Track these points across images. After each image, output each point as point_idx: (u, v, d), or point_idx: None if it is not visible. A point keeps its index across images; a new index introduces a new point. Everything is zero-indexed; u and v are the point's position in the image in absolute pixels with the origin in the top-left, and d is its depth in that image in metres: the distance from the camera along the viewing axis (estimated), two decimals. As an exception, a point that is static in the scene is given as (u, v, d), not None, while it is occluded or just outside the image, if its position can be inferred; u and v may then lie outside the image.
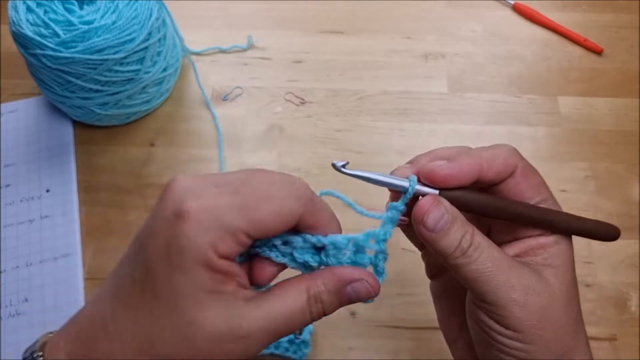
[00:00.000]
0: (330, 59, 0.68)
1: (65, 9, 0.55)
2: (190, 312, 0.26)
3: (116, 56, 0.54)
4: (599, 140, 0.61)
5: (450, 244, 0.31)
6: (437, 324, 0.51)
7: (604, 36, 0.69)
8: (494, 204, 0.32)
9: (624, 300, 0.52)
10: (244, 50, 0.69)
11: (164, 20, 0.60)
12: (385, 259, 0.32)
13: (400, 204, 0.32)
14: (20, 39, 0.54)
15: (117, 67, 0.55)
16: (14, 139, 0.62)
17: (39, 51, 0.53)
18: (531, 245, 0.33)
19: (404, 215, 0.32)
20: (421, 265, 0.54)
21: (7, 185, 0.59)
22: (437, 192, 0.32)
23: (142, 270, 0.27)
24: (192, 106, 0.65)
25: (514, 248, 0.33)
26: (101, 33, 0.53)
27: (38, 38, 0.53)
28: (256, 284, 0.31)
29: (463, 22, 0.71)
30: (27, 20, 0.54)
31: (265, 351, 0.49)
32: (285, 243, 0.30)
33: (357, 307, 0.52)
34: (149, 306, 0.27)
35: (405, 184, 0.32)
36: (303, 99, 0.65)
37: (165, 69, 0.61)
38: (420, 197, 0.32)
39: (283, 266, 0.31)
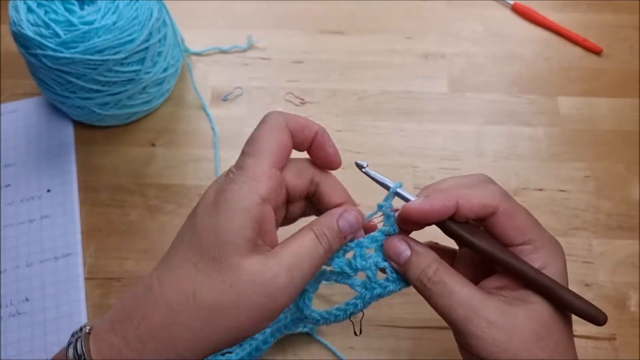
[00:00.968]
0: (330, 59, 0.68)
1: (66, 9, 0.56)
2: (235, 259, 0.30)
3: (117, 56, 0.54)
4: (599, 140, 0.61)
5: (412, 276, 0.34)
6: (436, 324, 0.51)
7: (604, 36, 0.69)
8: (478, 242, 0.34)
9: (624, 300, 0.52)
10: (244, 50, 0.69)
11: (164, 21, 0.60)
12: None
13: (387, 203, 0.36)
14: (20, 39, 0.54)
15: (117, 68, 0.55)
16: (14, 139, 0.62)
17: (39, 51, 0.53)
18: (511, 279, 0.34)
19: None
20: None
21: (8, 185, 0.59)
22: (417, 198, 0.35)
23: (190, 231, 0.32)
24: (192, 106, 0.65)
25: (496, 280, 0.35)
26: (102, 33, 0.53)
27: (38, 38, 0.53)
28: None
29: (463, 22, 0.71)
30: (28, 20, 0.54)
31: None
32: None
33: (357, 307, 0.52)
34: (194, 261, 0.30)
35: (416, 199, 0.35)
36: (303, 99, 0.65)
37: (165, 69, 0.61)
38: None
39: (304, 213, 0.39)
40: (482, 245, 0.34)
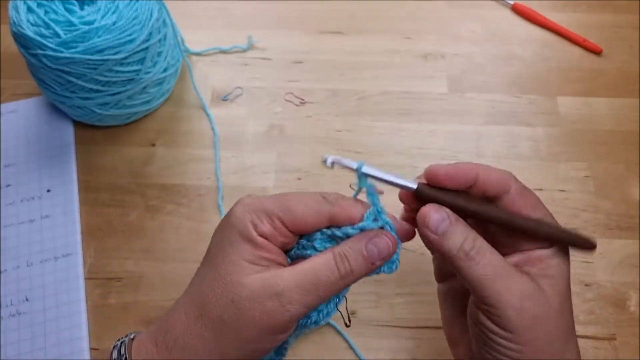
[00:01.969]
0: (330, 59, 0.68)
1: (66, 9, 0.56)
2: (235, 277, 0.32)
3: (117, 56, 0.54)
4: (599, 140, 0.61)
5: (453, 245, 0.33)
6: (436, 324, 0.51)
7: (604, 36, 0.69)
8: (488, 211, 0.34)
9: (624, 300, 0.52)
10: (244, 50, 0.69)
11: (164, 21, 0.60)
12: (392, 228, 0.35)
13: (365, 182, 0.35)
14: (20, 39, 0.54)
15: (117, 68, 0.55)
16: (14, 139, 0.62)
17: (39, 51, 0.53)
18: (530, 257, 0.35)
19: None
20: (420, 266, 0.54)
21: (8, 185, 0.59)
22: (415, 186, 0.34)
23: (208, 249, 0.35)
24: (192, 106, 0.65)
25: (513, 258, 0.35)
26: (102, 33, 0.53)
27: (39, 38, 0.53)
28: None
29: (463, 22, 0.71)
30: (28, 20, 0.54)
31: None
32: (310, 240, 0.35)
33: (357, 307, 0.52)
34: (205, 277, 0.33)
35: (412, 185, 0.35)
36: (303, 99, 0.65)
37: (165, 70, 0.61)
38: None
39: None
40: (498, 214, 0.34)
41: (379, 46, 0.69)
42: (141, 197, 0.59)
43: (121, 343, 0.34)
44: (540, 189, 0.58)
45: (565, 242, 0.35)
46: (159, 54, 0.59)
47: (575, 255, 0.35)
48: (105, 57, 0.53)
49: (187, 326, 0.32)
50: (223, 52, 0.69)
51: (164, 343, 0.33)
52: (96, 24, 0.54)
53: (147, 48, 0.57)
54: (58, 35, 0.53)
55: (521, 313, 0.32)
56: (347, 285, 0.34)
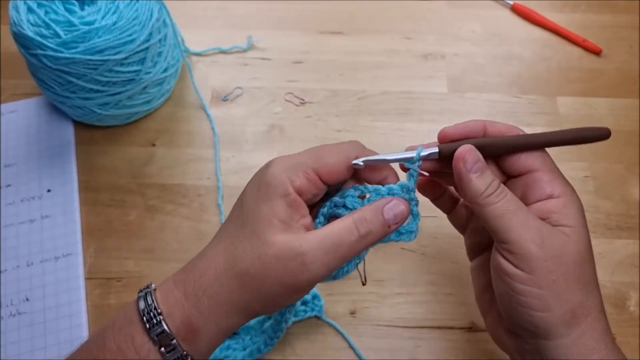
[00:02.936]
0: (330, 59, 0.68)
1: (66, 9, 0.56)
2: (266, 235, 0.34)
3: (117, 57, 0.54)
4: (598, 140, 0.61)
5: (484, 183, 0.35)
6: (436, 324, 0.51)
7: (603, 36, 0.69)
8: (508, 140, 0.37)
9: (623, 300, 0.52)
10: (244, 50, 0.69)
11: (164, 21, 0.60)
12: (417, 203, 0.38)
13: (415, 164, 0.38)
14: (21, 39, 0.54)
15: (117, 68, 0.55)
16: (14, 139, 0.62)
17: (39, 51, 0.53)
18: (542, 209, 0.36)
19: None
20: (420, 266, 0.54)
21: (8, 185, 0.59)
22: (436, 149, 0.38)
23: (239, 207, 0.36)
24: (192, 106, 0.65)
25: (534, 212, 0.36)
26: (102, 34, 0.53)
27: (39, 38, 0.53)
28: None
29: (463, 22, 0.71)
30: (28, 20, 0.54)
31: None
32: (342, 196, 0.38)
33: (357, 307, 0.52)
34: (237, 233, 0.35)
35: (413, 153, 0.38)
36: (303, 99, 0.65)
37: (165, 70, 0.61)
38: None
39: None
40: (517, 139, 0.37)
41: (379, 46, 0.69)
42: (141, 197, 0.59)
43: (146, 293, 0.35)
44: (540, 189, 0.58)
45: (583, 137, 0.38)
46: (159, 54, 0.59)
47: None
48: (105, 58, 0.54)
49: (216, 276, 0.34)
50: (223, 52, 0.69)
51: (192, 291, 0.34)
52: (96, 24, 0.54)
53: (147, 48, 0.57)
54: (58, 36, 0.53)
55: (542, 248, 0.33)
56: (367, 247, 0.35)
